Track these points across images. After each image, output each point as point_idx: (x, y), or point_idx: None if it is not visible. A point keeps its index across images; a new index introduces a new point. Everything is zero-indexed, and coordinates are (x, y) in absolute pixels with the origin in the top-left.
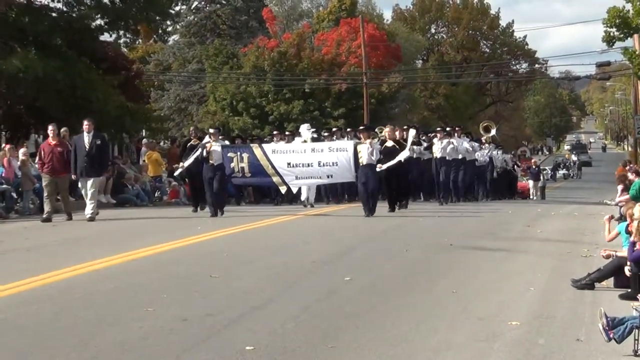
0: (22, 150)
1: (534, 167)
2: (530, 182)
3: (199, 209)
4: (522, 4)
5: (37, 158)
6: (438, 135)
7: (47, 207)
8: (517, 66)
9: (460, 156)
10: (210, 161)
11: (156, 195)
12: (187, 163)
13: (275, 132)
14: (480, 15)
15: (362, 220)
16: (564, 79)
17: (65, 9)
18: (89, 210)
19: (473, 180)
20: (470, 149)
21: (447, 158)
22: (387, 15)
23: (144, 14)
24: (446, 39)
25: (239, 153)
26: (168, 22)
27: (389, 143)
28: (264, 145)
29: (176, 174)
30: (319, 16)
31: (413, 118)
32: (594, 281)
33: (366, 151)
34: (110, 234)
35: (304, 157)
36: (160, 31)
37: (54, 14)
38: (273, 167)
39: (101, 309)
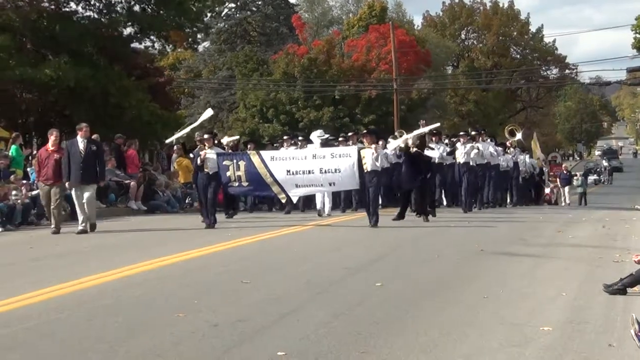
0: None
1: (565, 172)
2: (563, 188)
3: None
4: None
5: (35, 165)
6: (461, 139)
7: (52, 220)
8: (548, 72)
9: (485, 161)
10: (205, 169)
11: (187, 201)
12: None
13: (285, 137)
14: (510, 21)
15: (390, 228)
16: (595, 85)
17: (96, 16)
18: (82, 221)
19: (498, 185)
20: (495, 153)
21: (470, 163)
22: (417, 22)
23: (176, 22)
24: (476, 45)
25: (234, 161)
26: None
27: (412, 149)
28: (262, 152)
29: (167, 141)
30: (348, 23)
31: (443, 124)
32: (626, 286)
33: (370, 157)
34: (141, 241)
35: (305, 164)
36: (190, 39)
37: (84, 22)
38: (272, 175)
39: (132, 315)
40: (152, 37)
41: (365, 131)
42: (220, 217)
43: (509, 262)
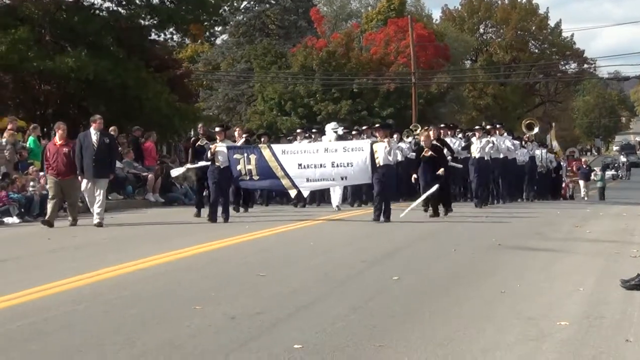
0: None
1: (584, 166)
2: (581, 182)
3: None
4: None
5: (44, 159)
6: (476, 134)
7: (49, 210)
8: (566, 66)
9: (501, 155)
10: (216, 163)
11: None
12: (190, 166)
13: (299, 130)
14: (529, 16)
15: (408, 222)
16: (613, 79)
17: (115, 8)
18: (96, 215)
19: (514, 180)
20: (512, 147)
21: (485, 158)
22: (436, 15)
23: (195, 14)
24: (495, 39)
25: (245, 154)
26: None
27: (427, 153)
28: (273, 145)
29: (173, 175)
30: (367, 16)
31: (461, 118)
32: None
33: (383, 151)
34: (158, 233)
35: (316, 158)
36: (208, 32)
37: (103, 14)
38: (283, 169)
39: (149, 307)
40: (171, 30)
41: (377, 125)
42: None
43: (526, 256)
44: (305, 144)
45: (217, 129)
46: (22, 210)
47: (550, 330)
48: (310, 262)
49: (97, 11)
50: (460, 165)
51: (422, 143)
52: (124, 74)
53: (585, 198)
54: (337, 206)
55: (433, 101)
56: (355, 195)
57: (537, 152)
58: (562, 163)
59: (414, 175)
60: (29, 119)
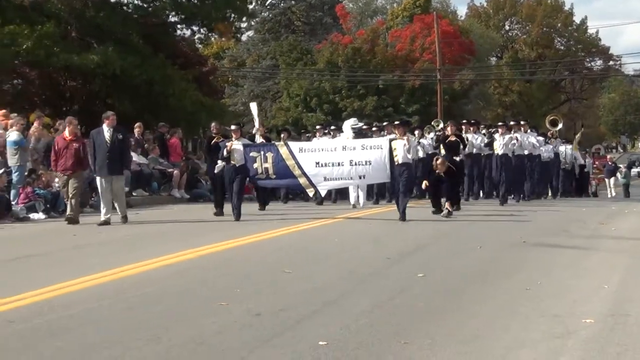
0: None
1: (610, 163)
2: (607, 180)
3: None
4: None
5: (52, 153)
6: (500, 130)
7: (69, 208)
8: (592, 63)
9: (525, 152)
10: (232, 162)
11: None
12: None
13: (317, 127)
14: (555, 12)
15: (432, 218)
16: (639, 76)
17: (140, 4)
18: (105, 212)
19: (540, 177)
20: (537, 143)
21: (509, 155)
22: (461, 12)
23: (220, 11)
24: (520, 36)
25: (262, 152)
26: (243, 19)
27: (452, 137)
28: (290, 143)
29: (216, 171)
30: (393, 12)
31: (487, 115)
32: None
33: (402, 148)
34: (183, 229)
35: (334, 156)
36: (234, 29)
37: (129, 10)
38: (300, 167)
39: (173, 303)
40: (196, 27)
41: (397, 122)
42: (251, 208)
43: (551, 253)
44: (325, 140)
45: (232, 127)
46: (48, 206)
47: (575, 328)
48: (335, 259)
49: (123, 7)
50: (488, 149)
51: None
52: (150, 70)
53: (611, 195)
54: (355, 204)
55: (458, 97)
56: (380, 193)
57: (562, 148)
58: (588, 160)
59: (425, 183)
60: (55, 115)
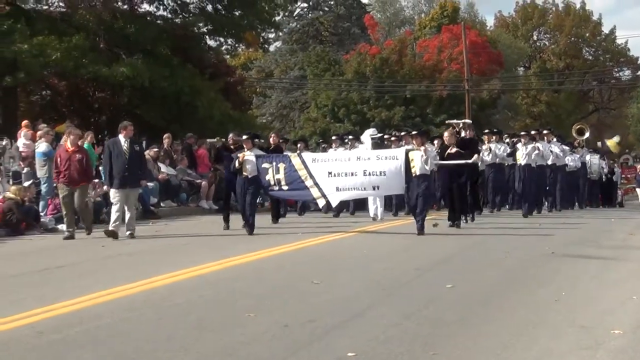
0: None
1: (639, 173)
2: (638, 190)
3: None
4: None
5: (53, 165)
6: (522, 140)
7: (67, 224)
8: (620, 73)
9: (547, 162)
10: (245, 173)
11: (258, 202)
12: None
13: (334, 138)
14: (583, 22)
15: (458, 232)
16: None
17: (169, 16)
18: (114, 220)
19: (565, 187)
20: (561, 153)
21: (532, 165)
22: (490, 22)
23: (248, 21)
24: (548, 46)
25: (274, 163)
26: (271, 30)
27: (452, 149)
28: (303, 154)
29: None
30: (420, 23)
31: (515, 125)
32: None
33: (419, 159)
34: (212, 240)
35: (348, 166)
36: (262, 40)
37: (158, 21)
38: (312, 177)
39: (202, 314)
40: (224, 38)
41: (414, 132)
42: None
43: (580, 264)
44: (340, 151)
45: (244, 137)
46: (77, 217)
47: (604, 339)
48: (364, 270)
49: (152, 19)
50: (511, 159)
51: (445, 141)
52: (178, 82)
53: None
54: (375, 216)
55: (486, 107)
56: (398, 204)
57: (588, 157)
58: (616, 170)
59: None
60: (83, 126)
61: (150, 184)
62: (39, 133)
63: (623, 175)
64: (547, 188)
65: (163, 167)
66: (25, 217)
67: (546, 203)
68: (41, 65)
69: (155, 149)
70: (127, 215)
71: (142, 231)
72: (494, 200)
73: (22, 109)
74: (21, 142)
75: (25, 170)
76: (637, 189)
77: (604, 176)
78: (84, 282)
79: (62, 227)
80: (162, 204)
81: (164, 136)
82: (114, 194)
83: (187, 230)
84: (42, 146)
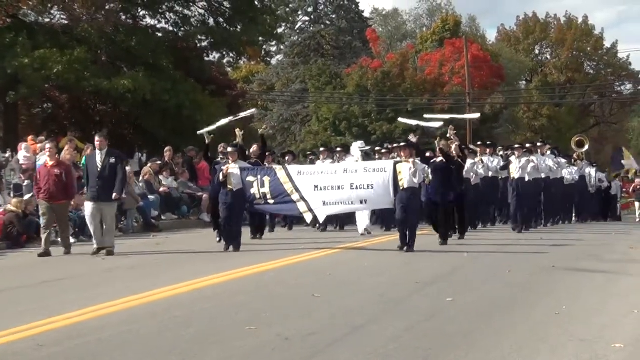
0: (126, 169)
1: (638, 187)
2: (637, 204)
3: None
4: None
5: (33, 182)
6: (516, 152)
7: (44, 241)
8: (622, 87)
9: (542, 175)
10: (229, 186)
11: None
12: (216, 125)
13: (322, 149)
14: (585, 36)
15: (463, 240)
16: None
17: (171, 29)
18: (107, 241)
19: (561, 200)
20: (555, 166)
21: (526, 179)
22: (491, 36)
23: (249, 35)
24: (550, 60)
25: (259, 177)
26: (272, 43)
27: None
28: (289, 166)
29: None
30: (422, 37)
31: (516, 138)
32: None
33: (408, 172)
34: (213, 253)
35: (334, 179)
36: (263, 53)
37: (160, 35)
38: (298, 191)
39: (202, 327)
40: (225, 51)
41: (402, 144)
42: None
43: (580, 278)
44: (328, 164)
45: (229, 149)
46: (77, 229)
47: (604, 353)
48: (365, 283)
49: (154, 32)
50: (506, 172)
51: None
52: (180, 95)
53: (638, 219)
54: (364, 231)
55: (487, 121)
56: (384, 219)
57: (587, 170)
58: (615, 183)
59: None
60: (85, 138)
61: (124, 196)
62: (39, 146)
63: (625, 189)
64: (542, 202)
65: (164, 180)
66: (26, 230)
67: (543, 218)
68: (43, 79)
69: (157, 162)
70: (105, 232)
71: (143, 244)
72: (487, 214)
73: (23, 122)
74: (22, 154)
75: (26, 183)
76: (637, 202)
77: (603, 190)
78: (85, 295)
79: None
80: (163, 217)
81: (165, 149)
82: (87, 207)
83: (188, 243)
84: (43, 159)
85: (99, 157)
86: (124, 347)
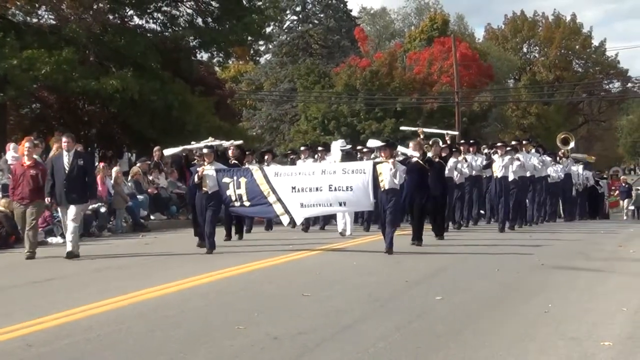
0: (115, 169)
1: (624, 184)
2: (622, 202)
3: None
4: (617, 23)
5: (10, 183)
6: (499, 151)
7: (27, 244)
8: (610, 85)
9: (527, 173)
10: (204, 188)
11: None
12: (188, 147)
13: (302, 148)
14: (573, 35)
15: (452, 240)
16: None
17: (159, 29)
18: (69, 245)
19: (546, 199)
20: (540, 165)
21: (509, 177)
22: (479, 34)
23: (238, 35)
24: (538, 58)
25: (235, 178)
26: (261, 43)
27: (414, 159)
28: (266, 167)
29: (165, 154)
30: (410, 35)
31: (505, 137)
32: None
33: (388, 172)
34: (200, 253)
35: (312, 181)
36: (252, 53)
37: (148, 35)
38: (275, 192)
39: (192, 326)
40: (214, 51)
41: (382, 144)
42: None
43: (569, 276)
44: (309, 163)
45: (205, 151)
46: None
47: (593, 351)
48: (354, 282)
49: (142, 32)
50: (489, 171)
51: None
52: (168, 96)
53: (626, 217)
54: (343, 231)
55: (476, 120)
56: (370, 219)
57: (574, 168)
58: (602, 181)
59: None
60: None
61: (94, 205)
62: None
63: (614, 187)
64: (527, 200)
65: (154, 179)
66: (14, 230)
67: (529, 217)
68: (31, 80)
69: (146, 162)
70: (68, 232)
71: (132, 244)
72: (470, 213)
73: (12, 122)
74: (10, 155)
75: None
76: (622, 201)
77: (589, 188)
78: (74, 295)
79: (52, 240)
80: (152, 217)
81: (154, 149)
82: (60, 212)
83: (177, 243)
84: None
85: (66, 159)
86: (113, 346)
